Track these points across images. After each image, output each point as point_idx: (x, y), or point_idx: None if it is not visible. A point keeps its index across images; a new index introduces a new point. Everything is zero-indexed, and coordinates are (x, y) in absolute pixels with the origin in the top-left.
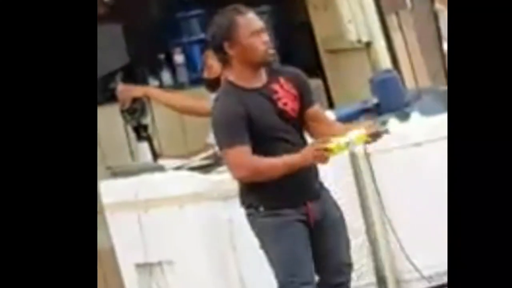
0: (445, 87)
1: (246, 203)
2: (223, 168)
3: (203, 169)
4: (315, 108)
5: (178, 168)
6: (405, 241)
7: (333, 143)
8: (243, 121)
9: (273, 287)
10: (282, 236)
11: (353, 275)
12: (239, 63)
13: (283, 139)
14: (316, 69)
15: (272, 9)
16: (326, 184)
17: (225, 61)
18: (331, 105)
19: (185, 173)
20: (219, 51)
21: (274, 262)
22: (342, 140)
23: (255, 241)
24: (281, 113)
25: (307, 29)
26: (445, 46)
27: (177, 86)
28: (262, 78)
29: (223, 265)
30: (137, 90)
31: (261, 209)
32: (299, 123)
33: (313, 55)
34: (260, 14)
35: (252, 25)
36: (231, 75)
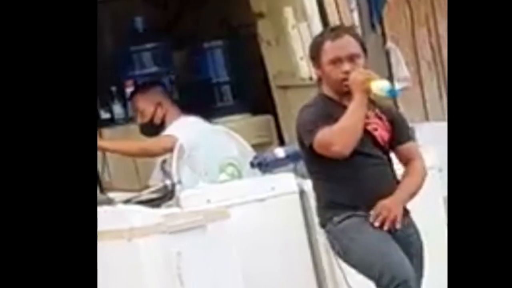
0: None
1: (323, 221)
2: (172, 201)
3: (152, 202)
4: (409, 145)
5: (127, 201)
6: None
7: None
8: (326, 120)
9: None
10: (365, 231)
11: None
12: (324, 83)
13: (368, 154)
14: (267, 105)
15: (224, 44)
16: None
17: (318, 78)
18: (282, 141)
19: (133, 207)
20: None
21: (362, 264)
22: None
23: (203, 275)
24: (369, 135)
25: (260, 64)
26: (396, 85)
27: (128, 119)
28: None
29: None
30: None
31: (335, 218)
32: (387, 153)
33: (264, 91)
34: (212, 49)
35: (335, 52)
36: (324, 89)
